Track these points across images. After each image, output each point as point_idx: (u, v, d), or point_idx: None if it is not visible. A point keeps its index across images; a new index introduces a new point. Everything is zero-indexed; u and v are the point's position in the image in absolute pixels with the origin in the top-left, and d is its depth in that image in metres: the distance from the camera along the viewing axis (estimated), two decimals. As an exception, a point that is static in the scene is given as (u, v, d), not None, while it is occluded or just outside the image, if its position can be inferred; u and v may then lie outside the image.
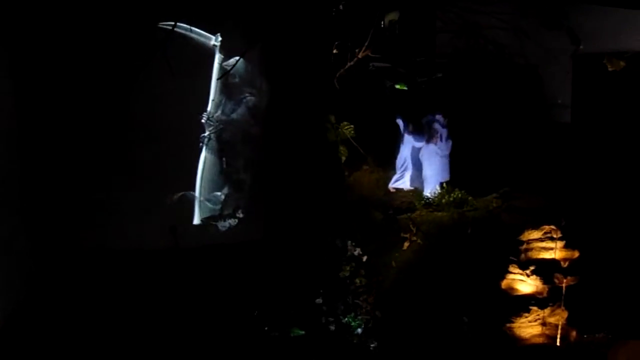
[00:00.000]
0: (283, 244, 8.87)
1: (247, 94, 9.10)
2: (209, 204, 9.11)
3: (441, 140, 9.84)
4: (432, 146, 9.83)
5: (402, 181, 10.15)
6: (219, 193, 9.18)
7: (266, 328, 7.96)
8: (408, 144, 10.11)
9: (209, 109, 8.95)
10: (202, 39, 8.81)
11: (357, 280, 8.49)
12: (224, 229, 9.28)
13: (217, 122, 8.95)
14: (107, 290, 8.24)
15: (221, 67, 8.91)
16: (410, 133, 10.05)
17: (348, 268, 8.53)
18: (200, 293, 8.34)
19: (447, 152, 9.86)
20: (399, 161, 10.19)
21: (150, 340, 7.59)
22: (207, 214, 9.10)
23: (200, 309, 8.12)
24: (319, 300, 8.15)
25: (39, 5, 7.70)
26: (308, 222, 8.93)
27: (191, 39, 8.67)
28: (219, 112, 8.98)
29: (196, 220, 9.03)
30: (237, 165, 9.24)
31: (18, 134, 8.18)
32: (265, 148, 9.22)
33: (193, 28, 8.51)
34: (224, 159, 9.13)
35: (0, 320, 7.33)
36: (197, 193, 8.99)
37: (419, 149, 9.95)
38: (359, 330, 7.95)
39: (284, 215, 9.10)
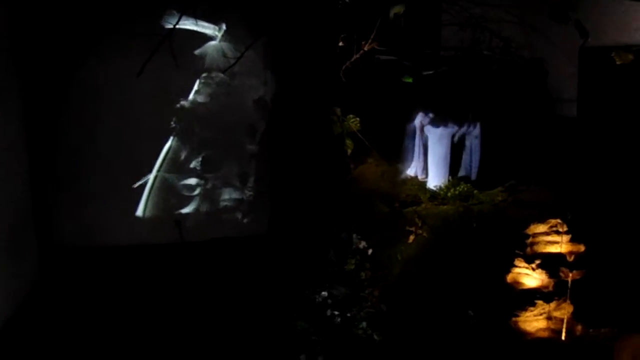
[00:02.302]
0: (288, 237, 8.88)
1: (232, 83, 9.10)
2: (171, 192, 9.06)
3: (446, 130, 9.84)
4: (436, 134, 9.79)
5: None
6: (190, 181, 9.18)
7: (270, 321, 7.96)
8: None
9: (190, 97, 8.98)
10: (202, 30, 8.82)
11: (363, 274, 8.47)
12: (226, 221, 9.31)
13: (191, 110, 8.96)
14: (111, 284, 8.29)
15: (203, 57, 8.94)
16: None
17: (353, 261, 8.51)
18: (204, 287, 8.36)
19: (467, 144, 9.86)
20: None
21: (153, 334, 7.61)
22: (165, 203, 9.04)
23: (204, 302, 8.14)
24: (324, 294, 8.14)
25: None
26: (313, 215, 8.93)
27: (193, 30, 8.69)
28: (198, 100, 9.00)
29: (139, 212, 9.00)
30: (223, 156, 9.23)
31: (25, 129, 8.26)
32: (269, 141, 9.21)
33: (199, 21, 8.53)
34: (197, 148, 9.13)
35: (9, 312, 7.35)
36: (149, 182, 8.98)
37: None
38: (364, 323, 7.94)
39: (289, 209, 9.10)
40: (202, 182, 9.29)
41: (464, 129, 9.90)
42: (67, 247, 8.76)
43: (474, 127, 9.92)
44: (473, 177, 9.88)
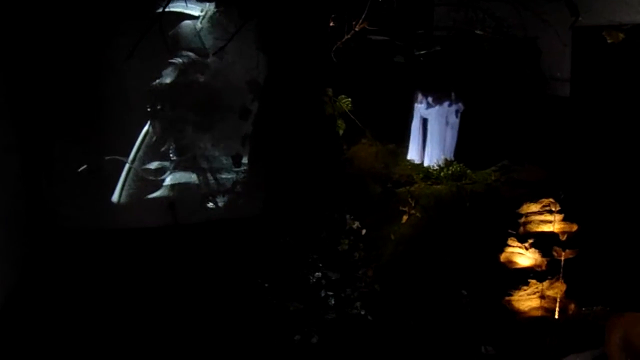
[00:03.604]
0: (282, 219, 8.88)
1: (223, 65, 9.04)
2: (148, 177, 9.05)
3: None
4: (431, 114, 9.78)
5: None
6: (184, 164, 9.14)
7: (265, 302, 7.99)
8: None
9: (181, 80, 8.92)
10: (192, 12, 8.76)
11: (356, 254, 8.48)
12: (221, 203, 9.30)
13: (181, 93, 8.91)
14: (108, 266, 8.30)
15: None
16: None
17: (347, 242, 8.51)
18: (199, 268, 8.38)
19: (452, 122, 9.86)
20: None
21: (148, 314, 7.65)
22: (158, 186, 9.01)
23: (199, 284, 8.17)
24: (318, 274, 8.16)
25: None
26: (307, 196, 8.94)
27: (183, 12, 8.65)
28: (189, 83, 8.96)
29: (114, 197, 8.97)
30: (217, 138, 9.20)
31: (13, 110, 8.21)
32: (263, 123, 9.19)
33: (189, 3, 8.48)
34: (190, 130, 9.10)
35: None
36: (126, 166, 8.94)
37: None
38: (358, 303, 7.97)
39: (283, 190, 9.10)
40: (196, 164, 9.28)
41: (457, 108, 9.88)
42: (65, 230, 8.76)
43: (466, 105, 9.92)
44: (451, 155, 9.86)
